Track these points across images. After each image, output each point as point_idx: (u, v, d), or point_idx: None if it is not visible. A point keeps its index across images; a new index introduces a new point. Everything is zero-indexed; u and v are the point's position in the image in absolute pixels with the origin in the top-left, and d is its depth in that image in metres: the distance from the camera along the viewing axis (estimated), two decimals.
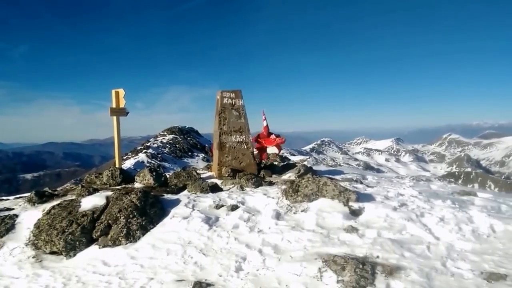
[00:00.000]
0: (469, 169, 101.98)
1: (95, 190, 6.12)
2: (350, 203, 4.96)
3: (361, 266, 3.31)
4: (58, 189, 7.78)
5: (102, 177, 7.26)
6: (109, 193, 5.71)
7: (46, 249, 4.75)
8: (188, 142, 32.84)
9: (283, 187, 5.93)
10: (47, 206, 5.68)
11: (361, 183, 6.62)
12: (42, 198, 6.19)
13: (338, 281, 3.17)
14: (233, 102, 7.66)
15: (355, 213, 4.72)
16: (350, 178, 7.09)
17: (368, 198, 5.28)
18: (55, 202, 5.78)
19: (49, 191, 6.73)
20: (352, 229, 4.21)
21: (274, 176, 7.48)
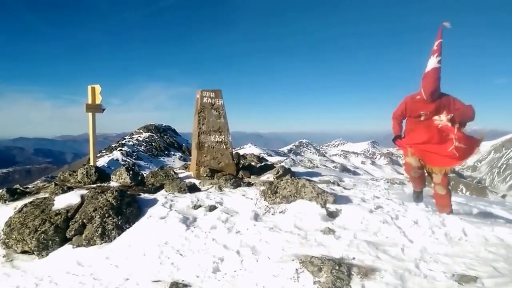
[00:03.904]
0: None
1: (69, 188, 5.97)
2: (328, 205, 5.02)
3: (337, 267, 3.35)
4: (29, 186, 7.55)
5: (77, 175, 7.09)
6: (84, 191, 5.59)
7: (18, 248, 4.62)
8: (165, 140, 32.48)
9: (262, 188, 5.95)
10: (19, 204, 5.51)
11: (338, 185, 6.73)
12: (13, 195, 6.00)
13: (314, 282, 3.20)
14: (213, 102, 7.64)
15: (332, 215, 4.79)
16: (328, 180, 7.19)
17: (345, 200, 5.37)
18: (27, 200, 5.61)
19: (21, 188, 6.53)
20: (329, 231, 4.27)
21: (252, 177, 7.50)
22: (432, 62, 4.31)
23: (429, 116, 4.49)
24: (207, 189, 6.36)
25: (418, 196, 5.28)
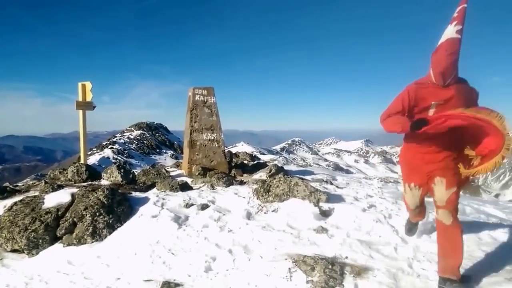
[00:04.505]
0: None
1: (60, 187, 5.89)
2: (321, 204, 5.02)
3: (330, 267, 3.34)
4: (19, 184, 7.45)
5: (67, 173, 7.00)
6: (75, 190, 5.52)
7: (7, 247, 4.55)
8: (157, 138, 32.28)
9: (254, 186, 5.93)
10: (9, 202, 5.43)
11: (331, 184, 6.72)
12: (3, 193, 5.93)
13: (307, 282, 3.19)
14: (205, 99, 7.59)
15: (325, 214, 4.78)
16: (321, 178, 7.18)
17: (338, 199, 5.36)
18: (17, 198, 5.54)
19: (11, 186, 6.44)
20: (322, 230, 4.26)
21: (245, 175, 7.47)
22: (449, 32, 2.86)
23: (442, 108, 2.90)
24: (199, 187, 6.32)
25: (411, 229, 3.97)
